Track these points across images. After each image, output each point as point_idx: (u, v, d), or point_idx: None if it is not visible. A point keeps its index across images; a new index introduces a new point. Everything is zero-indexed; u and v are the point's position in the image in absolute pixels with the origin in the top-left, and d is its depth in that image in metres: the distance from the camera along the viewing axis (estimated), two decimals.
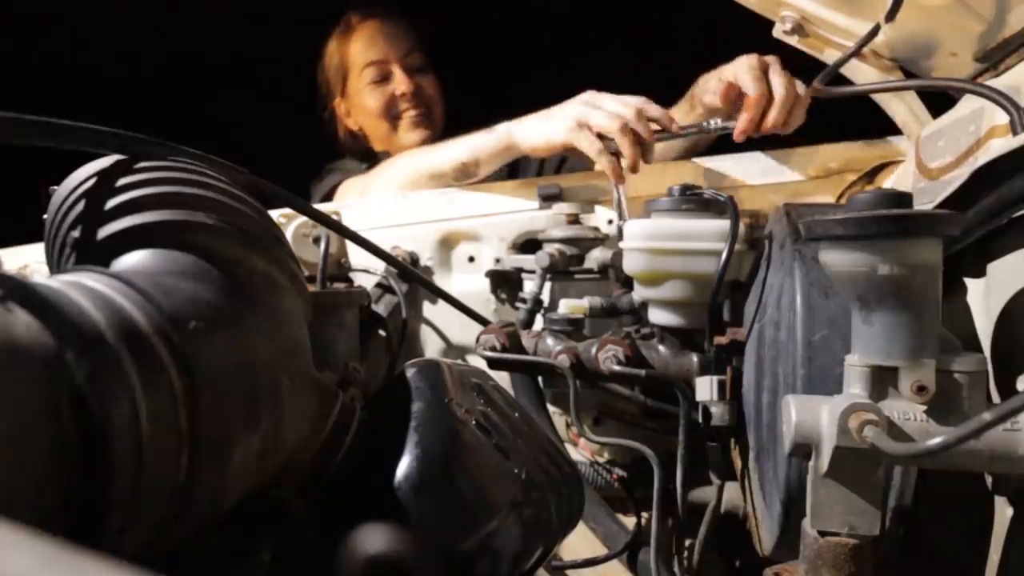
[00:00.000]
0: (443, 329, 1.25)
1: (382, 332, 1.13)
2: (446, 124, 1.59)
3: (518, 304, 0.98)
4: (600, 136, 1.03)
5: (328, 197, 1.48)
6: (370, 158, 1.59)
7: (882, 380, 0.45)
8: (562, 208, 1.04)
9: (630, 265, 0.80)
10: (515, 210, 1.21)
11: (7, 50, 1.76)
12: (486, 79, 1.82)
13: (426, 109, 1.57)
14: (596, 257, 0.99)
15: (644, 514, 0.80)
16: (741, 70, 1.03)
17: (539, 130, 1.10)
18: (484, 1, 1.98)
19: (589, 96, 1.06)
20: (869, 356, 0.45)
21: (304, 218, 1.08)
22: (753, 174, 1.20)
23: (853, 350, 0.47)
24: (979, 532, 0.53)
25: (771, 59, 1.04)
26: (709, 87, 1.12)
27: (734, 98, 1.06)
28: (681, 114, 1.20)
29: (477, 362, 0.78)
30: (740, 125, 1.02)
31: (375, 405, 0.51)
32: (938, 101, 0.91)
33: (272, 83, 1.93)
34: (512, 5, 1.97)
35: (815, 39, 0.97)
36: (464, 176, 1.23)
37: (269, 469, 0.40)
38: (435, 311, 1.24)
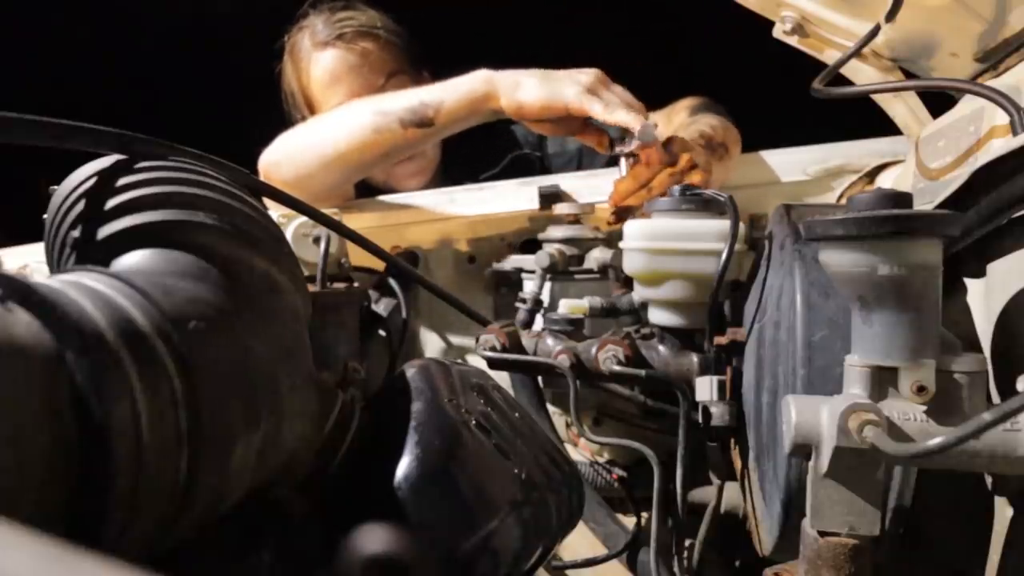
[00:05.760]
0: (443, 329, 1.25)
1: (382, 332, 1.13)
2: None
3: (518, 304, 0.98)
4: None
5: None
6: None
7: (882, 380, 0.45)
8: (562, 208, 1.04)
9: (630, 265, 0.80)
10: (515, 210, 1.21)
11: (7, 50, 1.76)
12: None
13: None
14: (596, 257, 0.98)
15: (644, 514, 0.80)
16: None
17: (541, 88, 1.03)
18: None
19: (599, 72, 1.04)
20: (869, 356, 0.45)
21: (304, 218, 1.08)
22: (753, 174, 1.20)
23: (853, 350, 0.47)
24: (979, 532, 0.53)
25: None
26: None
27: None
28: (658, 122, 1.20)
29: (477, 362, 0.78)
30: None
31: (375, 405, 0.51)
32: (938, 101, 0.91)
33: (274, 83, 1.94)
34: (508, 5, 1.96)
35: (815, 39, 0.96)
36: (417, 121, 1.08)
37: (269, 469, 0.40)
38: (435, 311, 1.24)
